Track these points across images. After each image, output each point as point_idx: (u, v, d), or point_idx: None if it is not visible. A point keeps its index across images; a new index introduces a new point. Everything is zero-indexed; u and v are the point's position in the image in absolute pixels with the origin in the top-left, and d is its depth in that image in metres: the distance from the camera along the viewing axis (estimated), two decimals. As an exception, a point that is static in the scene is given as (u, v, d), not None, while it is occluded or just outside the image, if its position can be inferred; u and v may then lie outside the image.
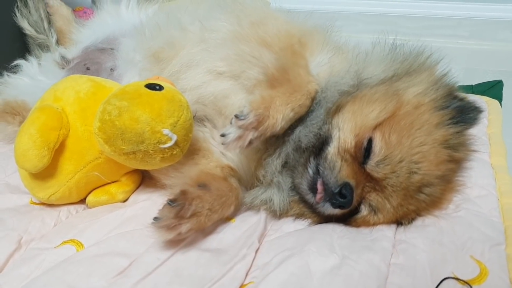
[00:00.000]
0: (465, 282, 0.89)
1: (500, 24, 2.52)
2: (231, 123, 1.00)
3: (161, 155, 1.07)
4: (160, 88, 1.10)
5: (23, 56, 1.78)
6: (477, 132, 1.28)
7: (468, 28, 2.53)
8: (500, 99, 1.77)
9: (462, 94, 1.15)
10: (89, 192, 1.23)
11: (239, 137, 0.99)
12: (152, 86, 1.10)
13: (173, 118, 1.06)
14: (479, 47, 2.49)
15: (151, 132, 1.03)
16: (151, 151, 1.05)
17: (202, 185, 1.06)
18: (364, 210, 1.09)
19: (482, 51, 2.47)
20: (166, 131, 1.04)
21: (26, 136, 1.07)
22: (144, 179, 1.31)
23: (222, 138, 1.00)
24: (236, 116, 0.99)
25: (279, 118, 1.01)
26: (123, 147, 1.04)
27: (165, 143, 1.05)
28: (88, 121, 1.13)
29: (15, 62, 1.72)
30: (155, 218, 0.96)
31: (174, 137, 1.05)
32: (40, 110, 1.13)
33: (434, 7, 2.61)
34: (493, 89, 1.79)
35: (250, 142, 1.00)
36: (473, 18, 2.54)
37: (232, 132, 0.99)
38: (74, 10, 2.17)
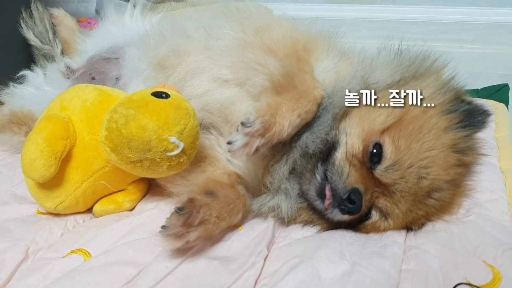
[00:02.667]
0: (479, 288, 0.88)
1: (503, 27, 2.52)
2: (237, 130, 1.00)
3: (168, 163, 1.06)
4: (167, 96, 1.10)
5: (28, 67, 1.78)
6: (485, 136, 1.26)
7: (472, 32, 2.52)
8: (506, 102, 1.76)
9: (470, 98, 1.14)
10: (96, 201, 1.22)
11: (246, 145, 0.99)
12: (158, 94, 1.09)
13: (180, 125, 1.05)
14: (483, 51, 2.48)
15: (158, 140, 1.03)
16: (158, 159, 1.05)
17: (210, 193, 1.05)
18: (374, 216, 1.09)
19: (486, 55, 2.46)
20: (173, 139, 1.03)
21: (33, 145, 1.07)
22: (151, 188, 1.31)
23: (229, 145, 1.00)
24: (243, 124, 0.99)
25: (285, 124, 1.01)
26: (130, 155, 1.04)
27: (172, 151, 1.04)
28: (95, 130, 1.13)
29: (21, 73, 1.72)
30: (163, 227, 0.96)
31: (181, 145, 1.05)
32: (47, 120, 1.13)
33: (438, 12, 2.61)
34: (499, 92, 1.79)
35: (257, 149, 1.00)
36: (476, 22, 2.54)
37: (239, 139, 0.99)
38: (78, 21, 2.18)
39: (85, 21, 2.35)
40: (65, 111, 1.16)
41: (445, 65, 1.16)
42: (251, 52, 1.18)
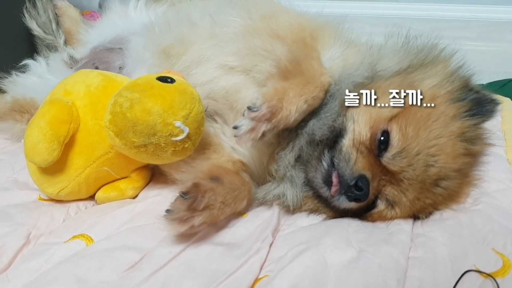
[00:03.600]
0: (488, 275, 0.87)
1: (508, 25, 2.51)
2: (243, 115, 0.99)
3: (173, 148, 1.05)
4: (172, 81, 1.09)
5: (31, 57, 1.77)
6: (492, 128, 1.25)
7: (476, 30, 2.51)
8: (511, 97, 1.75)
9: (478, 87, 1.13)
10: (98, 189, 1.21)
11: (252, 129, 0.97)
12: (163, 79, 1.08)
13: (185, 110, 1.04)
14: (487, 48, 2.47)
15: (163, 124, 1.01)
16: (162, 144, 1.03)
17: (215, 178, 1.04)
18: (380, 205, 1.07)
19: (490, 52, 2.45)
20: (178, 123, 1.02)
21: (36, 129, 1.06)
22: (154, 176, 1.29)
23: (235, 130, 0.98)
24: (249, 108, 0.98)
25: (292, 109, 1.00)
26: (134, 139, 1.03)
27: (177, 135, 1.03)
28: (99, 114, 1.12)
29: (23, 62, 1.71)
30: (167, 211, 0.94)
31: (186, 130, 1.03)
32: (51, 104, 1.11)
33: (442, 9, 2.60)
34: (504, 87, 1.78)
35: (263, 135, 0.98)
36: (480, 20, 2.53)
37: (245, 124, 0.97)
38: (81, 14, 2.17)
39: (88, 14, 2.34)
40: (68, 96, 1.14)
41: (453, 54, 1.15)
42: (257, 38, 1.17)
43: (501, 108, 1.59)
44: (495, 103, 1.12)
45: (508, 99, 1.70)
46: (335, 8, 2.78)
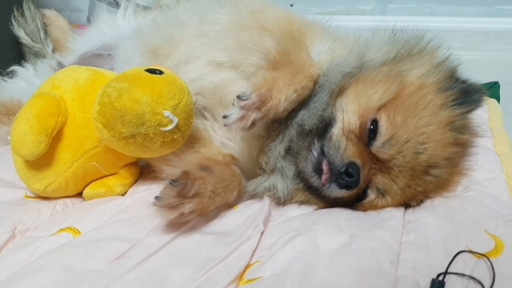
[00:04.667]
0: (482, 255, 0.86)
1: (490, 34, 2.57)
2: (233, 104, 0.98)
3: (162, 139, 1.04)
4: (161, 72, 1.09)
5: (19, 64, 1.76)
6: (479, 123, 1.26)
7: (461, 39, 2.56)
8: (497, 99, 1.78)
9: (464, 77, 1.15)
10: (86, 185, 1.19)
11: (242, 118, 0.97)
12: (152, 71, 1.08)
13: (174, 100, 1.04)
14: (472, 57, 2.51)
15: (151, 114, 1.01)
16: (151, 135, 1.02)
17: (205, 168, 1.03)
18: (371, 194, 1.07)
19: (474, 61, 2.49)
20: (167, 113, 1.01)
21: (23, 121, 1.05)
22: (143, 173, 1.28)
23: (224, 119, 0.98)
24: (239, 97, 0.97)
25: (282, 98, 1.00)
26: (123, 130, 1.02)
27: (166, 125, 1.02)
28: (87, 108, 1.11)
29: (11, 68, 1.71)
30: (157, 198, 0.93)
31: (175, 120, 1.03)
32: (38, 97, 1.11)
33: (428, 20, 2.66)
34: (490, 90, 1.80)
35: (253, 123, 0.98)
36: (465, 30, 2.58)
37: (235, 113, 0.97)
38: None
39: (77, 27, 2.35)
40: (57, 90, 1.13)
41: (440, 45, 1.17)
42: (246, 32, 1.18)
43: (488, 108, 1.62)
44: (481, 92, 1.13)
45: (494, 100, 1.72)
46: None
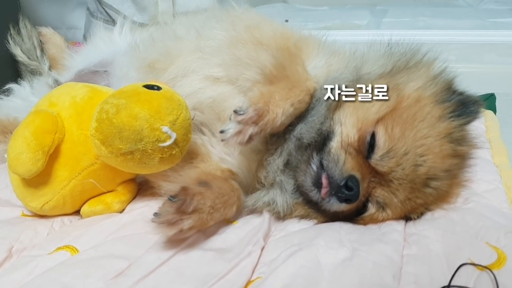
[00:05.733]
0: (485, 267, 0.85)
1: (484, 47, 2.58)
2: (230, 119, 0.98)
3: (160, 155, 1.04)
4: (158, 88, 1.08)
5: (15, 82, 1.76)
6: (477, 135, 1.26)
7: (455, 52, 2.58)
8: (494, 110, 1.78)
9: (461, 89, 1.15)
10: (84, 203, 1.18)
11: (239, 132, 0.96)
12: (150, 86, 1.08)
13: (172, 116, 1.03)
14: (467, 69, 2.52)
15: (149, 129, 1.00)
16: (149, 150, 1.02)
17: (203, 183, 1.02)
18: (371, 208, 1.06)
19: (470, 73, 2.51)
20: (165, 128, 1.01)
21: (20, 139, 1.04)
22: (140, 190, 1.27)
23: (222, 134, 0.97)
24: (236, 112, 0.97)
25: (279, 112, 1.00)
26: (121, 146, 1.01)
27: (164, 141, 1.02)
28: (84, 125, 1.10)
29: (7, 86, 1.70)
30: (155, 214, 0.92)
31: (174, 135, 1.02)
32: (35, 114, 1.10)
33: (421, 34, 2.67)
34: (486, 101, 1.80)
35: (250, 138, 0.97)
36: (459, 43, 2.60)
37: (232, 127, 0.97)
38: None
39: (73, 44, 2.36)
40: (54, 107, 1.13)
41: (436, 57, 1.17)
42: (242, 47, 1.18)
43: (485, 119, 1.62)
44: (478, 104, 1.14)
45: (491, 111, 1.73)
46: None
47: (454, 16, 2.98)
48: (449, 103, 1.09)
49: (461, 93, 1.14)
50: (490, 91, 2.11)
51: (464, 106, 1.11)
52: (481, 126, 1.54)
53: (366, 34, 2.80)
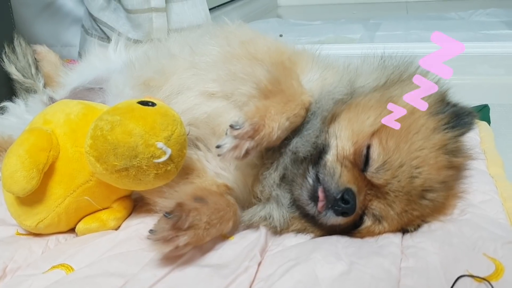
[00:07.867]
0: (483, 279, 0.85)
1: (478, 59, 2.61)
2: (226, 133, 0.98)
3: (155, 171, 1.03)
4: (153, 104, 1.08)
5: (10, 99, 1.76)
6: (472, 146, 1.27)
7: (448, 64, 2.60)
8: (488, 121, 1.79)
9: (455, 100, 1.16)
10: (79, 220, 1.17)
11: (235, 147, 0.96)
12: (144, 103, 1.08)
13: (167, 131, 1.03)
14: (460, 81, 2.54)
15: (144, 146, 1.00)
16: (144, 167, 1.02)
17: (199, 199, 1.02)
18: (368, 221, 1.06)
19: (463, 85, 2.53)
20: (160, 144, 1.01)
21: (14, 157, 1.04)
22: (136, 207, 1.26)
23: (218, 149, 0.97)
24: (231, 126, 0.97)
25: (275, 127, 1.00)
26: (116, 163, 1.01)
27: (159, 157, 1.02)
28: (79, 142, 1.10)
29: (1, 104, 1.70)
30: (151, 231, 0.92)
31: (169, 151, 1.02)
32: (29, 132, 1.10)
33: (416, 47, 2.70)
34: (480, 113, 1.81)
35: (247, 152, 0.97)
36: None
37: (228, 142, 0.97)
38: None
39: (68, 62, 2.36)
40: (48, 125, 1.13)
41: (429, 70, 1.18)
42: (237, 63, 1.19)
43: (479, 130, 1.63)
44: (473, 115, 1.15)
45: (485, 122, 1.74)
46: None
47: (446, 29, 3.02)
48: (443, 114, 1.10)
49: (455, 105, 1.14)
50: (483, 102, 2.13)
51: (458, 118, 1.12)
52: (476, 137, 1.54)
53: (359, 47, 2.83)
